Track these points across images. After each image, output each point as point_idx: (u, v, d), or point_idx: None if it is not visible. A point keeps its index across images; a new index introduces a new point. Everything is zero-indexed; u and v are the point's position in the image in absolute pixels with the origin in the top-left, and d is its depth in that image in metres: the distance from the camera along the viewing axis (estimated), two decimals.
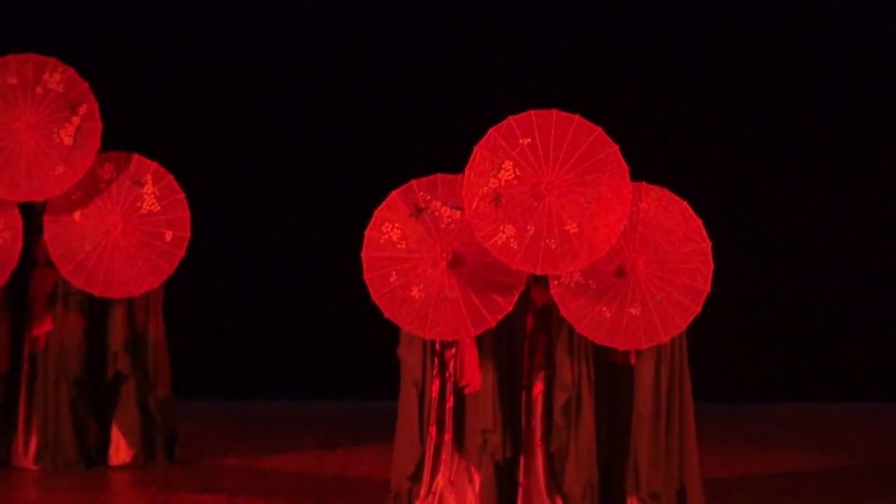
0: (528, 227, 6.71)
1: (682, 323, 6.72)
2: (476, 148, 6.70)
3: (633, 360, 6.94)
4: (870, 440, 9.52)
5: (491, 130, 6.69)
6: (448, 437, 7.08)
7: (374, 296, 6.95)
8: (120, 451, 8.32)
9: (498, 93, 10.61)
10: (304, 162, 11.59)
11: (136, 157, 8.23)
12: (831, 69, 11.55)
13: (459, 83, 11.25)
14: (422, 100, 11.33)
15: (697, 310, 6.76)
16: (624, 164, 6.74)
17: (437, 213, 7.01)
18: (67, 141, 8.19)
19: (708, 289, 6.76)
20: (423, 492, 7.06)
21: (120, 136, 8.67)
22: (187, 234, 8.19)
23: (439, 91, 11.29)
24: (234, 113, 11.63)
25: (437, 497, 7.09)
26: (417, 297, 6.96)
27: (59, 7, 12.02)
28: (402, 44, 11.72)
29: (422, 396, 7.13)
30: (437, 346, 7.07)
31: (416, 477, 7.11)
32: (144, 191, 8.08)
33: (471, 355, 7.01)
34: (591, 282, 6.80)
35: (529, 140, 6.77)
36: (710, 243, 6.84)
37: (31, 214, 8.39)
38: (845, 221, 11.20)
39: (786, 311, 11.12)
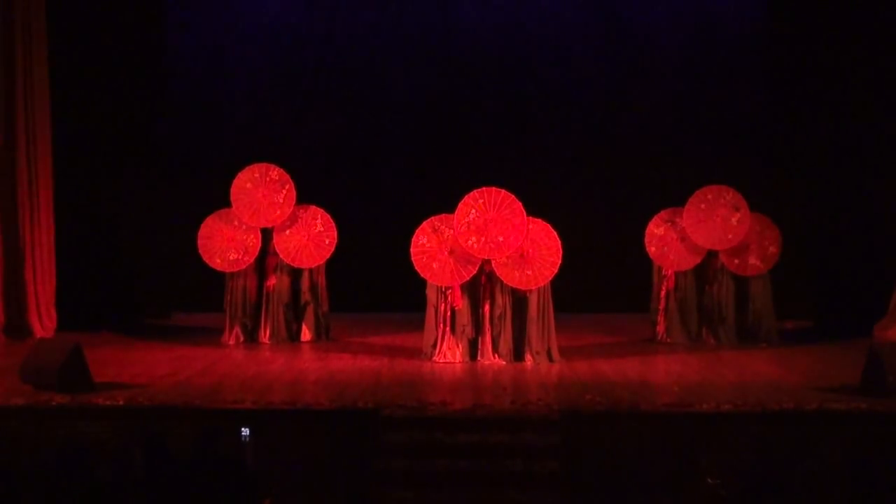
0: (482, 238, 11.68)
1: (549, 277, 11.76)
2: (460, 203, 11.79)
3: (528, 293, 11.87)
4: (637, 328, 13.74)
5: (466, 196, 11.80)
6: (448, 328, 11.89)
7: (416, 266, 11.90)
8: (305, 334, 13.19)
9: (482, 164, 14.76)
10: (388, 198, 15.48)
11: (312, 207, 13.01)
12: None
13: (455, 164, 15.05)
14: (438, 172, 15.25)
15: (555, 271, 11.74)
16: (522, 209, 11.67)
17: (443, 231, 11.98)
18: (280, 200, 13.03)
19: (559, 262, 11.76)
20: (436, 352, 11.86)
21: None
22: (335, 241, 13.07)
23: (446, 166, 15.21)
24: (359, 165, 15.52)
25: (443, 355, 11.83)
26: (436, 268, 11.91)
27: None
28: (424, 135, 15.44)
29: (436, 310, 11.93)
30: (444, 288, 11.89)
31: (434, 346, 11.91)
32: (318, 223, 12.94)
33: (458, 292, 11.88)
34: (509, 260, 11.75)
35: (482, 200, 11.83)
36: (559, 243, 11.82)
37: (266, 231, 13.01)
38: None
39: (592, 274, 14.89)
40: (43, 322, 13.58)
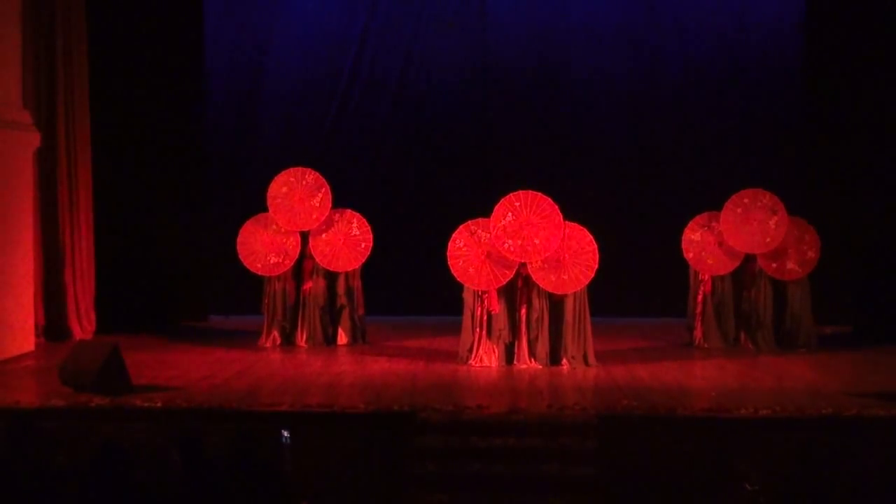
0: (518, 241, 11.72)
1: (585, 281, 11.81)
2: (497, 206, 11.85)
3: (564, 297, 11.87)
4: (673, 333, 13.68)
5: (503, 199, 11.85)
6: (484, 332, 11.90)
7: (453, 271, 11.97)
8: (342, 338, 13.20)
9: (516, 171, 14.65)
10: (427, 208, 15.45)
11: (348, 211, 13.07)
12: None
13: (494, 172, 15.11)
14: (474, 175, 15.39)
15: (591, 275, 11.82)
16: (559, 213, 11.75)
17: (480, 235, 12.00)
18: (316, 204, 13.08)
19: (596, 266, 11.81)
20: (473, 356, 11.90)
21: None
22: (370, 245, 13.14)
23: (482, 170, 15.40)
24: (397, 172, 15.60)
25: (479, 358, 11.87)
26: (472, 272, 11.95)
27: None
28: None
29: (473, 314, 11.95)
30: (479, 292, 11.90)
31: (470, 350, 11.95)
32: (354, 226, 12.93)
33: (494, 296, 11.88)
34: (545, 264, 11.80)
35: (519, 203, 11.84)
36: (595, 247, 11.88)
37: (305, 234, 13.03)
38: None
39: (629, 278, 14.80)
40: (82, 324, 13.71)
